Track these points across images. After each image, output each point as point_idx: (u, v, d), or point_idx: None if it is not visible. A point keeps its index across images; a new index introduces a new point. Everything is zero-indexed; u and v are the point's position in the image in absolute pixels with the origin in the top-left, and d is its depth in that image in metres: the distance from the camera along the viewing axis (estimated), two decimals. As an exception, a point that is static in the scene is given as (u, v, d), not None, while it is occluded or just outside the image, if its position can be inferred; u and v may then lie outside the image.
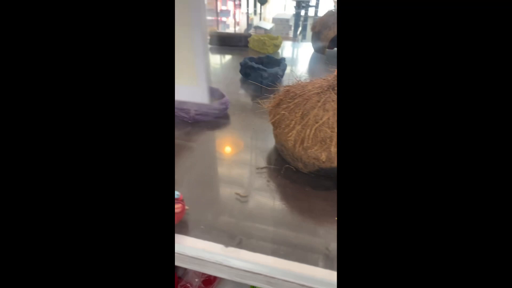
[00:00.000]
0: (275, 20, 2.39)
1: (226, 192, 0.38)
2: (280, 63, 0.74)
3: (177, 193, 0.32)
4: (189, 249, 0.31)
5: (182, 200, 0.32)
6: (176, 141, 0.48)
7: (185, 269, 0.56)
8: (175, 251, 0.31)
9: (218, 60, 0.94)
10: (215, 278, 0.59)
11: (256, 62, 0.74)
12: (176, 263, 0.32)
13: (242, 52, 0.97)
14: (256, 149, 0.47)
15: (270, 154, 0.46)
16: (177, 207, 0.31)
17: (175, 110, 0.52)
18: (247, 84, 0.73)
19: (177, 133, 0.50)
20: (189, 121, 0.52)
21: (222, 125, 0.53)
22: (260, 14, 2.84)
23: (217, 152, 0.47)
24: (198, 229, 0.33)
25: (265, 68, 0.69)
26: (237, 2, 2.74)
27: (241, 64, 0.75)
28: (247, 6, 2.75)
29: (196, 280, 0.56)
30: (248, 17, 2.75)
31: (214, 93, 0.58)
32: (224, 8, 2.72)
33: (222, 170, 0.43)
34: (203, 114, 0.53)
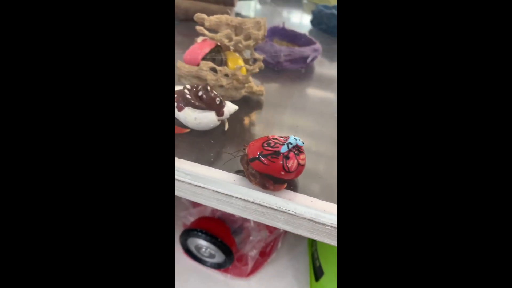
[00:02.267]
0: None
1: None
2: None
3: (301, 141, 0.23)
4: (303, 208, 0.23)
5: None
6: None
7: (244, 240, 0.50)
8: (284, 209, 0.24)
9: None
10: (270, 250, 0.54)
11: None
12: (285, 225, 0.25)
13: (296, 5, 0.85)
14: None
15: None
16: (302, 157, 0.23)
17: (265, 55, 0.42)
18: (322, 36, 0.62)
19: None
20: (275, 69, 0.43)
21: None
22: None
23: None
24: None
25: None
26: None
27: (314, 13, 0.63)
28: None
29: (254, 252, 0.50)
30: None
31: (301, 38, 0.48)
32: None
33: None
34: (294, 61, 0.43)
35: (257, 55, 0.35)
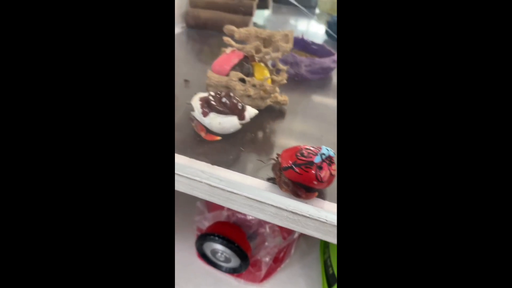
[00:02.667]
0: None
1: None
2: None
3: (332, 152, 0.24)
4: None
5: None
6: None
7: (259, 245, 0.51)
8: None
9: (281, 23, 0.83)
10: (283, 257, 0.54)
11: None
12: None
13: (309, 15, 0.87)
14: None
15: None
16: (334, 168, 0.24)
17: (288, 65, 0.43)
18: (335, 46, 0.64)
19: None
20: (295, 79, 0.44)
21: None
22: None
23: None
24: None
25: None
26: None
27: (329, 24, 0.65)
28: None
29: (268, 257, 0.51)
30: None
31: (319, 49, 0.49)
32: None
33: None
34: (314, 72, 0.44)
35: (281, 65, 0.36)
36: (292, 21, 0.84)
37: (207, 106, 0.29)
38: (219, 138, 0.30)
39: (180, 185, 0.28)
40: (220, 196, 0.27)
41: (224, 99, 0.29)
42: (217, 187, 0.26)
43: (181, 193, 0.30)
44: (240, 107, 0.29)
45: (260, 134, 0.33)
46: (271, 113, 0.37)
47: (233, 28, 0.34)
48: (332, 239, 0.25)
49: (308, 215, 0.24)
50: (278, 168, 0.25)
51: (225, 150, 0.29)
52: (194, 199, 0.33)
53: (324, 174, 0.24)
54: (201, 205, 0.56)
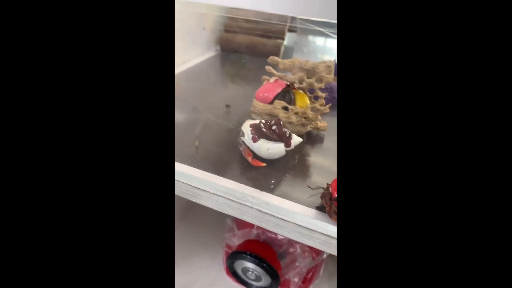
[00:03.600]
0: None
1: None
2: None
3: None
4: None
5: None
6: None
7: (288, 265, 0.52)
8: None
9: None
10: (312, 277, 0.54)
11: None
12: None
13: (331, 37, 0.89)
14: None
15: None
16: None
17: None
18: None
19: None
20: (330, 103, 0.46)
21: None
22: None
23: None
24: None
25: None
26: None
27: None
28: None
29: (297, 278, 0.51)
30: None
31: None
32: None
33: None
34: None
35: (320, 93, 0.38)
36: (317, 42, 0.86)
37: (257, 132, 0.31)
38: (264, 164, 0.32)
39: (230, 209, 0.29)
40: (269, 222, 0.28)
41: (274, 127, 0.31)
42: (267, 213, 0.28)
43: (209, 209, 0.32)
44: (287, 135, 0.31)
45: (302, 160, 0.34)
46: (310, 138, 0.39)
47: (277, 59, 0.36)
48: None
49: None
50: (328, 197, 0.26)
51: (270, 175, 0.31)
52: (222, 215, 0.34)
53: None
54: (230, 222, 0.58)
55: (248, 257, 0.48)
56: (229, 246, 0.56)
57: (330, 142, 0.38)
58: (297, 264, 0.51)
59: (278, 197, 0.28)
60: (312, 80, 0.34)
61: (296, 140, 0.33)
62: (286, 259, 0.54)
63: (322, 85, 0.35)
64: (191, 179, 0.30)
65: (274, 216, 0.28)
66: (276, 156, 0.32)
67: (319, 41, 0.88)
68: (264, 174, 0.31)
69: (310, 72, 0.35)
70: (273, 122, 0.32)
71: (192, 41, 0.60)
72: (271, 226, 0.28)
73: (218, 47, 0.65)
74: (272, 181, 0.30)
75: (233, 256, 0.50)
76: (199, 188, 0.30)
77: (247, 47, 0.61)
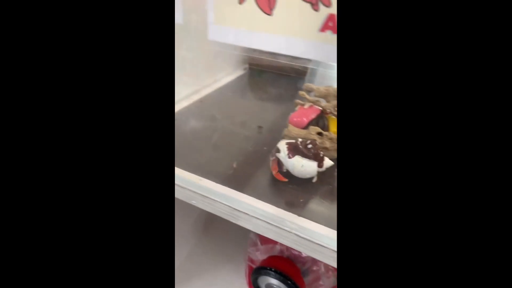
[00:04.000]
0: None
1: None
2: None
3: None
4: None
5: None
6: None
7: (311, 283, 0.52)
8: None
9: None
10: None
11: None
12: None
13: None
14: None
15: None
16: None
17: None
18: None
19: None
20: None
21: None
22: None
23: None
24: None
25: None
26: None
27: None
28: None
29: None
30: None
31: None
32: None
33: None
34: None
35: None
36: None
37: (294, 150, 0.33)
38: (286, 179, 0.34)
39: (269, 232, 0.31)
40: (307, 246, 0.29)
41: (310, 146, 0.33)
42: (305, 238, 0.29)
43: (233, 224, 0.33)
44: (321, 155, 0.33)
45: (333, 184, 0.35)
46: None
47: (312, 85, 0.37)
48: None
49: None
50: None
51: (308, 200, 0.32)
52: (245, 229, 0.36)
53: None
54: (254, 236, 0.59)
55: (273, 273, 0.49)
56: (252, 260, 0.57)
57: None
58: (321, 283, 0.52)
59: (317, 224, 0.29)
60: (346, 108, 0.36)
61: (327, 162, 0.34)
62: (309, 276, 0.54)
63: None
64: (232, 201, 0.32)
65: (312, 242, 0.29)
66: (308, 175, 0.34)
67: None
68: (305, 199, 0.32)
69: (345, 100, 0.36)
70: (309, 141, 0.34)
71: (223, 60, 0.63)
72: (308, 251, 0.29)
73: (247, 65, 0.67)
74: (312, 205, 0.31)
75: (257, 272, 0.51)
76: (239, 211, 0.31)
77: (275, 66, 0.63)
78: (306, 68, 0.63)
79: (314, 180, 0.35)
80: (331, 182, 0.36)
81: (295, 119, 0.38)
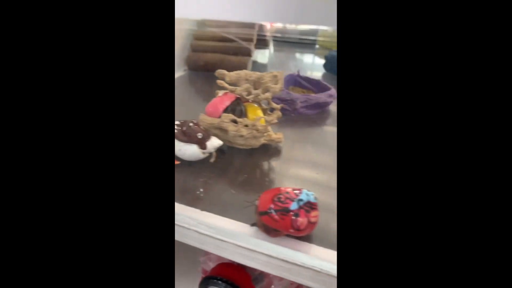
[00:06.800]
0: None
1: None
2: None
3: (313, 197, 0.23)
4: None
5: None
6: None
7: (265, 288, 0.48)
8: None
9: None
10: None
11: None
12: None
13: (308, 50, 0.90)
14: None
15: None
16: (314, 215, 0.23)
17: (278, 101, 0.44)
18: (335, 80, 0.65)
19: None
20: (292, 114, 0.44)
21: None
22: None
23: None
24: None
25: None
26: None
27: (327, 58, 0.66)
28: None
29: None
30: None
31: (316, 84, 0.50)
32: None
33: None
34: (310, 107, 0.44)
35: (274, 104, 0.36)
36: (292, 57, 0.87)
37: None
38: (178, 162, 0.33)
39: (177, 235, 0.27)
40: (210, 244, 0.26)
41: (184, 128, 0.32)
42: (206, 234, 0.25)
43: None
44: (200, 137, 0.32)
45: (253, 174, 0.32)
46: (267, 151, 0.37)
47: (224, 71, 0.35)
48: (331, 289, 0.23)
49: (301, 264, 0.23)
50: (255, 211, 0.24)
51: (218, 192, 0.29)
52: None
53: (301, 222, 0.22)
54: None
55: (219, 282, 0.45)
56: (204, 271, 0.53)
57: (287, 153, 0.37)
58: (273, 287, 0.48)
59: (217, 216, 0.26)
60: (258, 91, 0.33)
61: (214, 143, 0.33)
62: (263, 282, 0.50)
63: (269, 96, 0.33)
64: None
65: (213, 238, 0.25)
66: (194, 158, 0.33)
67: (293, 56, 0.88)
68: (212, 193, 0.29)
69: (257, 83, 0.34)
70: (184, 123, 0.33)
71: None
72: (213, 248, 0.26)
73: (186, 67, 0.65)
74: (219, 199, 0.28)
75: (204, 283, 0.47)
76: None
77: (214, 65, 0.61)
78: (246, 65, 0.61)
79: (212, 160, 0.34)
80: (249, 171, 0.32)
81: (210, 109, 0.35)
